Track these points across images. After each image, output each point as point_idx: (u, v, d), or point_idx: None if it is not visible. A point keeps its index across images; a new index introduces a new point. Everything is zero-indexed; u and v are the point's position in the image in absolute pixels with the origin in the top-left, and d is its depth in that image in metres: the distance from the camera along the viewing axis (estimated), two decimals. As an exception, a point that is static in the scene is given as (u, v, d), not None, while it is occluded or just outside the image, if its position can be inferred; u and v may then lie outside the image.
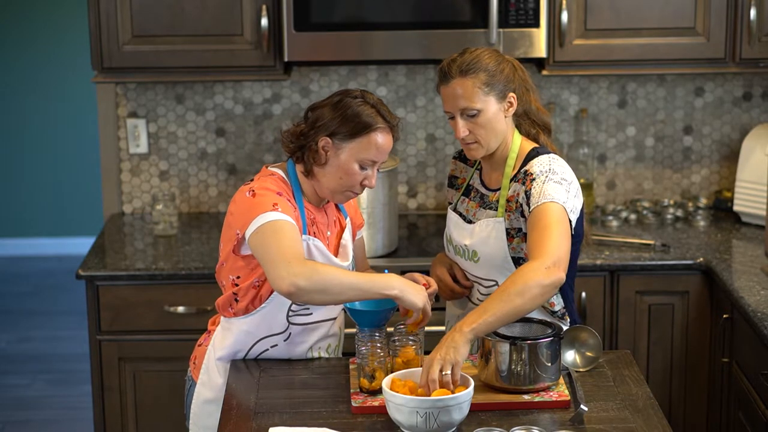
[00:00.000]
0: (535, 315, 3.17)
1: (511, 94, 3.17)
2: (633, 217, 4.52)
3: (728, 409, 3.97)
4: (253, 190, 3.06)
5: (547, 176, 3.11)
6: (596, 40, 4.24)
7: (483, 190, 3.29)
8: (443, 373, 2.83)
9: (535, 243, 3.02)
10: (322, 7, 4.14)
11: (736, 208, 4.49)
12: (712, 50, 4.25)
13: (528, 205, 3.10)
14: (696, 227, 4.45)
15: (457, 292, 3.33)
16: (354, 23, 4.17)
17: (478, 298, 3.28)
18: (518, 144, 3.23)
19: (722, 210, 4.63)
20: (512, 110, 3.19)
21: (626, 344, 4.15)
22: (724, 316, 3.92)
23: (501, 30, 4.12)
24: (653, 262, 4.09)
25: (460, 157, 3.42)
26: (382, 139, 3.08)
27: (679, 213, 4.56)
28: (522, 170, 3.17)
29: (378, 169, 3.14)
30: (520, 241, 3.17)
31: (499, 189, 3.23)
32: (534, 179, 3.11)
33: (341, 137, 3.06)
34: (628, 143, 4.70)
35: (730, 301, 3.85)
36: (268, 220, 3.00)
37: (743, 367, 3.77)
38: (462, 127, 3.16)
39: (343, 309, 3.23)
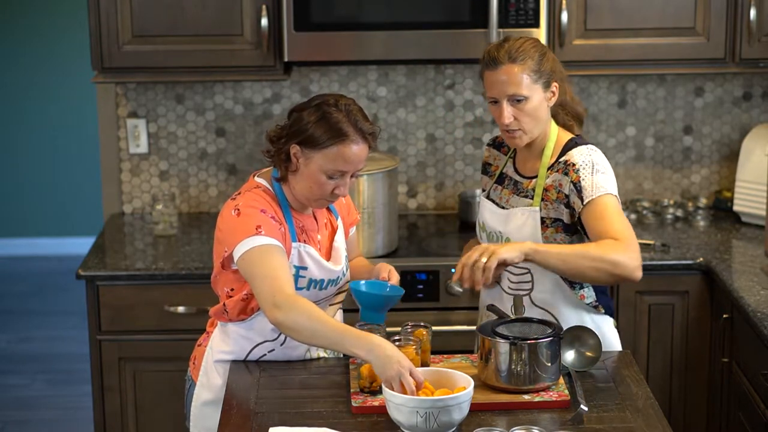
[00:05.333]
0: (564, 308, 3.20)
1: (555, 83, 3.19)
2: (633, 217, 4.52)
3: (728, 409, 3.97)
4: (238, 209, 3.04)
5: (593, 167, 3.13)
6: (596, 40, 4.24)
7: (517, 178, 3.29)
8: (482, 259, 2.96)
9: (608, 233, 3.06)
10: (322, 7, 4.13)
11: (736, 208, 4.49)
12: (712, 50, 4.25)
13: (580, 198, 3.11)
14: (696, 227, 4.45)
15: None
16: (354, 23, 4.16)
17: (509, 286, 3.27)
18: (555, 134, 3.23)
19: (722, 210, 4.63)
20: (554, 100, 3.20)
21: (626, 344, 4.15)
22: (724, 316, 3.92)
23: (501, 30, 4.12)
24: (653, 262, 4.09)
25: (494, 144, 3.42)
26: (350, 150, 2.99)
27: (679, 213, 4.56)
28: (560, 160, 3.18)
29: (355, 176, 3.07)
30: (554, 231, 3.18)
31: (534, 177, 3.23)
32: (578, 170, 3.13)
33: (310, 146, 3.00)
34: (628, 143, 4.70)
35: (730, 301, 3.85)
36: (253, 245, 2.97)
37: (743, 367, 3.77)
38: (508, 113, 3.14)
39: (349, 293, 3.21)
